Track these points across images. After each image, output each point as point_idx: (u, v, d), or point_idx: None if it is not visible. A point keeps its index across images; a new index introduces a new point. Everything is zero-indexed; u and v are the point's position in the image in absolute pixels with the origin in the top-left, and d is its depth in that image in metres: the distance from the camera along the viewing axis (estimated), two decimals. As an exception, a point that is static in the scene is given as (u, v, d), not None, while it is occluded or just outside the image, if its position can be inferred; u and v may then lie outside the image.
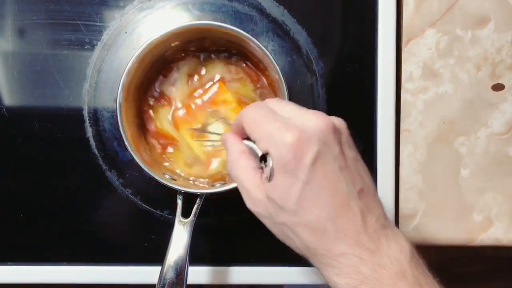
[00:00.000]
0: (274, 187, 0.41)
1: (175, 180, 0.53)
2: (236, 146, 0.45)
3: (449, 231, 0.59)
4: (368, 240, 0.40)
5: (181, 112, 0.55)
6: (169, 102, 0.55)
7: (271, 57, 0.50)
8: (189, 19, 0.57)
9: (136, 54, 0.50)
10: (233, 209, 0.58)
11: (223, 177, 0.55)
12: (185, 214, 0.51)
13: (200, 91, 0.55)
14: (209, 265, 0.58)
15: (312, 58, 0.58)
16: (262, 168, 0.42)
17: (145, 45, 0.50)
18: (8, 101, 0.57)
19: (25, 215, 0.58)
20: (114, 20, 0.57)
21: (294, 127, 0.40)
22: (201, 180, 0.55)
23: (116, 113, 0.50)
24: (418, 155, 0.58)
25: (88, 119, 0.57)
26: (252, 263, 0.59)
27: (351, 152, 0.42)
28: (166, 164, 0.55)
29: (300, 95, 0.57)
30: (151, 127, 0.55)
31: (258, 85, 0.55)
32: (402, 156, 0.58)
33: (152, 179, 0.50)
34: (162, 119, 0.55)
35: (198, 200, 0.52)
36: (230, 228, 0.58)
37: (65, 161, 0.57)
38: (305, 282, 0.59)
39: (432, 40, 0.57)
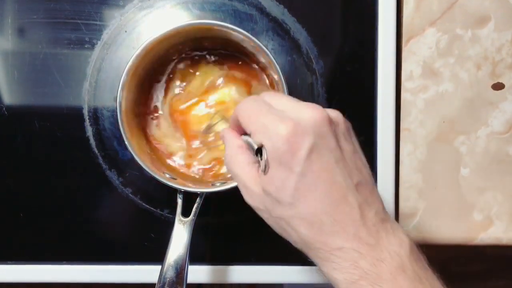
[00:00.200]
0: (269, 180, 0.41)
1: (175, 179, 0.53)
2: (234, 141, 0.45)
3: (449, 230, 0.59)
4: (366, 234, 0.40)
5: (181, 112, 0.55)
6: (169, 102, 0.55)
7: (271, 56, 0.50)
8: (189, 18, 0.57)
9: (136, 53, 0.50)
10: (233, 208, 0.58)
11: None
12: (185, 213, 0.51)
13: (201, 90, 0.55)
14: (209, 264, 0.58)
15: (312, 57, 0.57)
16: (259, 162, 0.42)
17: (145, 44, 0.50)
18: (8, 100, 0.57)
19: (25, 215, 0.58)
20: (114, 19, 0.57)
21: (288, 119, 0.40)
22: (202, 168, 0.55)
23: (116, 112, 0.50)
24: (418, 154, 0.58)
25: (88, 118, 0.57)
26: (252, 262, 0.59)
27: (348, 145, 0.42)
28: (169, 161, 0.55)
29: (300, 94, 0.57)
30: (152, 126, 0.55)
31: (258, 84, 0.55)
32: (402, 155, 0.58)
33: (152, 178, 0.50)
34: (163, 118, 0.55)
35: (198, 199, 0.52)
36: (230, 227, 0.58)
37: (65, 160, 0.57)
38: (305, 281, 0.59)
39: (432, 39, 0.57)
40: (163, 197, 0.57)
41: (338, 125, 0.42)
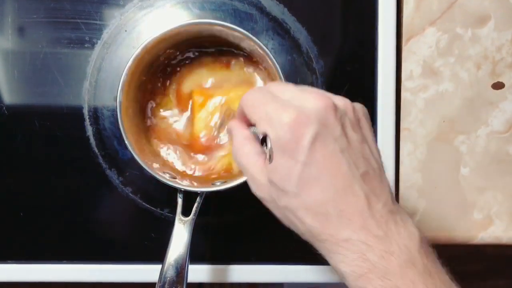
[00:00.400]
0: (274, 170, 0.40)
1: (175, 178, 0.53)
2: (240, 132, 0.44)
3: (449, 229, 0.59)
4: (375, 225, 0.39)
5: (181, 112, 0.55)
6: (169, 102, 0.55)
7: (271, 56, 0.50)
8: (189, 18, 0.57)
9: (136, 52, 0.50)
10: (234, 208, 0.58)
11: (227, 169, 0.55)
12: (186, 212, 0.51)
13: (202, 89, 0.55)
14: (210, 263, 0.58)
15: (312, 56, 0.57)
16: (265, 152, 0.42)
17: (145, 43, 0.50)
18: (8, 99, 0.57)
19: (25, 214, 0.58)
20: (114, 19, 0.57)
21: (292, 108, 0.39)
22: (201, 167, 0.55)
23: (116, 111, 0.50)
24: (418, 154, 0.58)
25: (88, 118, 0.57)
26: (252, 262, 0.59)
27: (355, 134, 0.41)
28: (169, 161, 0.55)
29: (300, 94, 0.57)
30: (152, 125, 0.55)
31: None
32: (402, 154, 0.58)
33: (152, 178, 0.50)
34: (163, 118, 0.55)
35: (198, 199, 0.52)
36: (231, 227, 0.58)
37: (65, 159, 0.57)
38: (305, 280, 0.59)
39: (432, 39, 0.57)
40: (163, 196, 0.57)
41: (346, 114, 0.41)
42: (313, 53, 0.57)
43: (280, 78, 0.50)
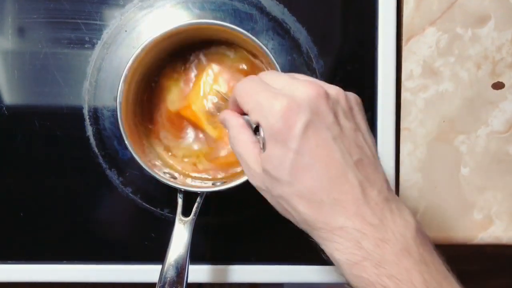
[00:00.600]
0: (267, 158, 0.40)
1: (175, 178, 0.53)
2: (235, 120, 0.44)
3: (449, 230, 0.59)
4: (370, 213, 0.38)
5: (182, 111, 0.55)
6: (170, 101, 0.55)
7: (271, 56, 0.50)
8: (189, 18, 0.57)
9: (136, 52, 0.50)
10: (234, 208, 0.58)
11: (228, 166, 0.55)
12: (186, 212, 0.51)
13: (202, 88, 0.55)
14: (210, 264, 0.58)
15: (312, 56, 0.57)
16: (259, 141, 0.42)
17: (145, 43, 0.50)
18: (8, 99, 0.57)
19: (25, 214, 0.58)
20: (114, 19, 0.57)
21: (283, 96, 0.39)
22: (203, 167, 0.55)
23: (116, 111, 0.50)
24: (418, 154, 0.58)
25: (88, 118, 0.57)
26: (252, 262, 0.59)
27: (348, 122, 0.40)
28: (169, 161, 0.55)
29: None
30: (152, 125, 0.55)
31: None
32: (402, 154, 0.58)
33: (152, 178, 0.50)
34: (163, 118, 0.55)
35: (198, 199, 0.52)
36: (231, 227, 0.58)
37: (65, 159, 0.57)
38: (305, 280, 0.59)
39: (432, 39, 0.57)
40: (163, 196, 0.57)
41: (338, 102, 0.41)
42: (313, 53, 0.57)
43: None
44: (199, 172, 0.55)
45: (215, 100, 0.54)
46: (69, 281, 0.59)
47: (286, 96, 0.39)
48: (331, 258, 0.40)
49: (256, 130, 0.42)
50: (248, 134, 0.43)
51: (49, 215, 0.58)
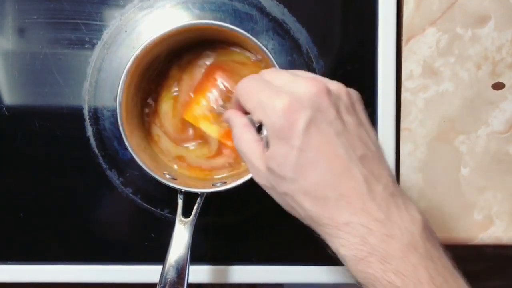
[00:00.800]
0: (271, 156, 0.40)
1: (176, 179, 0.53)
2: (239, 119, 0.44)
3: (449, 230, 0.59)
4: (376, 208, 0.38)
5: (182, 111, 0.55)
6: (170, 101, 0.55)
7: (271, 56, 0.50)
8: (189, 18, 0.57)
9: (136, 53, 0.50)
10: (234, 208, 0.58)
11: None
12: (186, 213, 0.51)
13: (202, 88, 0.55)
14: (210, 264, 0.58)
15: (312, 56, 0.57)
16: (262, 139, 0.42)
17: (145, 44, 0.50)
18: (8, 100, 0.57)
19: (25, 214, 0.58)
20: (114, 19, 0.57)
21: (284, 94, 0.39)
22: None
23: (116, 112, 0.50)
24: (418, 154, 0.58)
25: (88, 118, 0.57)
26: (252, 262, 0.59)
27: (351, 117, 0.40)
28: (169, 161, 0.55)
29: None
30: (152, 126, 0.55)
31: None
32: (403, 154, 0.58)
33: (153, 178, 0.50)
34: (163, 117, 0.55)
35: (198, 200, 0.52)
36: (231, 227, 0.58)
37: (65, 160, 0.57)
38: (305, 280, 0.59)
39: (433, 39, 0.57)
40: (164, 197, 0.57)
41: (340, 98, 0.40)
42: (313, 53, 0.57)
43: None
44: (199, 172, 0.55)
45: (219, 100, 0.54)
46: (69, 281, 0.59)
47: (287, 94, 0.39)
48: (337, 254, 0.40)
49: (259, 128, 0.42)
50: (251, 133, 0.43)
51: (49, 215, 0.58)
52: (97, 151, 0.57)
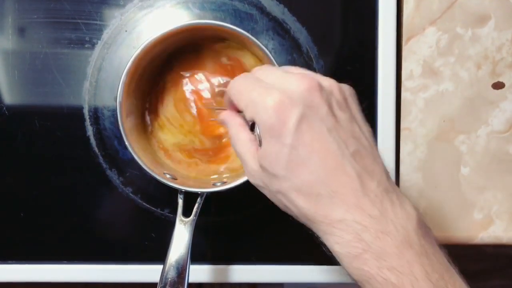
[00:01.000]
0: (263, 155, 0.40)
1: (176, 179, 0.53)
2: (234, 120, 0.44)
3: (449, 229, 0.59)
4: (370, 205, 0.38)
5: (182, 111, 0.55)
6: (170, 101, 0.55)
7: (271, 56, 0.50)
8: (189, 18, 0.57)
9: (136, 52, 0.50)
10: (234, 208, 0.58)
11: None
12: (186, 213, 0.51)
13: (203, 87, 0.55)
14: (210, 263, 0.58)
15: (312, 56, 0.58)
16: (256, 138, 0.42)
17: (145, 43, 0.50)
18: (8, 99, 0.57)
19: (25, 214, 0.58)
20: (114, 19, 0.57)
21: (275, 91, 0.39)
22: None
23: (117, 111, 0.50)
24: (418, 153, 0.58)
25: (89, 118, 0.57)
26: (252, 262, 0.59)
27: (343, 113, 0.40)
28: (169, 161, 0.55)
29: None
30: (152, 125, 0.55)
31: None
32: (403, 154, 0.58)
33: (153, 178, 0.50)
34: (163, 117, 0.55)
35: (199, 199, 0.52)
36: (231, 227, 0.58)
37: (65, 159, 0.57)
38: (305, 280, 0.59)
39: (433, 38, 0.57)
40: (164, 196, 0.57)
41: (332, 94, 0.40)
42: (313, 53, 0.58)
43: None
44: (199, 172, 0.55)
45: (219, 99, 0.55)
46: (69, 281, 0.59)
47: (278, 91, 0.39)
48: (332, 252, 0.39)
49: (252, 127, 0.42)
50: (246, 132, 0.43)
51: (49, 215, 0.58)
52: (97, 151, 0.57)
